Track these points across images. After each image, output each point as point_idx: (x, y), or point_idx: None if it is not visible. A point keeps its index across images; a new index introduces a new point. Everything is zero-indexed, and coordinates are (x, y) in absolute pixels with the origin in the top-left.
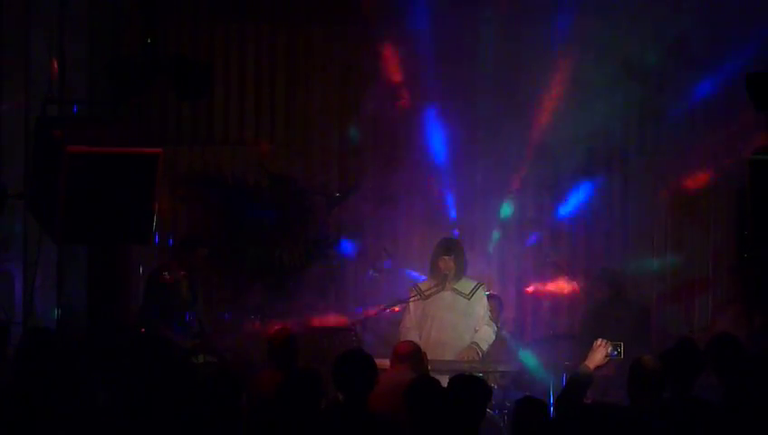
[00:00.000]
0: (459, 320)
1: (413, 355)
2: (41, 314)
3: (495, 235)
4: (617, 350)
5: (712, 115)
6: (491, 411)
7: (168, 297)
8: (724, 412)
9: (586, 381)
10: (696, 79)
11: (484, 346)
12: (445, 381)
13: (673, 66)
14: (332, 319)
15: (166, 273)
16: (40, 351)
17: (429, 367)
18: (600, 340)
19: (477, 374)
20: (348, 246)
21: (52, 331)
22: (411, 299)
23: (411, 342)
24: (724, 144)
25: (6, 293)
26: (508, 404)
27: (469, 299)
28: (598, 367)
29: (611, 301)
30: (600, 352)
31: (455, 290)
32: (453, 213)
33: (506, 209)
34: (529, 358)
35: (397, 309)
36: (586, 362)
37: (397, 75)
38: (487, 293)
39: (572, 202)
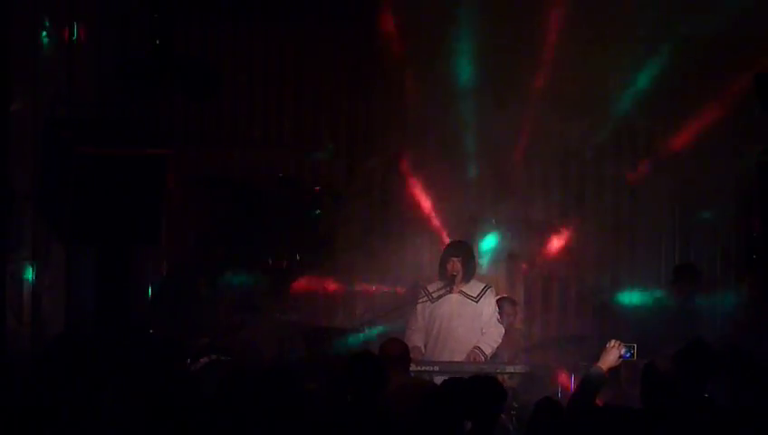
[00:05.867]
0: (466, 323)
1: (404, 357)
2: (49, 316)
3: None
4: (630, 351)
5: (719, 116)
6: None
7: (187, 297)
8: (737, 416)
9: (599, 383)
10: (703, 79)
11: (488, 349)
12: None
13: (681, 67)
14: None
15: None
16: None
17: (438, 368)
18: (613, 341)
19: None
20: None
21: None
22: (419, 301)
23: (400, 341)
24: (733, 145)
25: (15, 294)
26: (516, 405)
27: (477, 302)
28: (611, 368)
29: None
30: (613, 354)
31: (462, 292)
32: (463, 215)
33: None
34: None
35: None
36: (599, 364)
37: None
38: (500, 296)
39: (579, 206)
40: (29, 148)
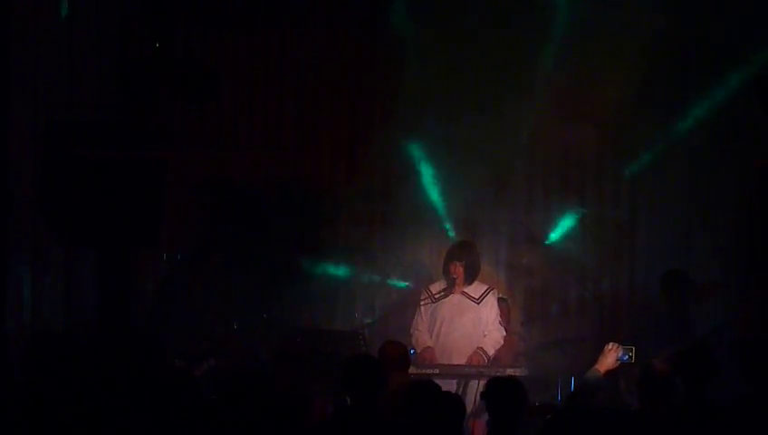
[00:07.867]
0: (468, 324)
1: (404, 358)
2: (49, 319)
3: None
4: (628, 354)
5: (721, 120)
6: None
7: (182, 303)
8: (740, 417)
9: (596, 386)
10: (706, 83)
11: (491, 351)
12: (452, 385)
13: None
14: None
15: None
16: (47, 355)
17: (437, 371)
18: (611, 344)
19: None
20: (356, 251)
21: (58, 334)
22: (422, 302)
23: (399, 343)
24: (734, 149)
25: (15, 297)
26: None
27: (478, 303)
28: (608, 371)
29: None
30: (611, 356)
31: (464, 294)
32: (463, 215)
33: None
34: None
35: None
36: (596, 367)
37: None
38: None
39: (582, 209)
40: (29, 150)
